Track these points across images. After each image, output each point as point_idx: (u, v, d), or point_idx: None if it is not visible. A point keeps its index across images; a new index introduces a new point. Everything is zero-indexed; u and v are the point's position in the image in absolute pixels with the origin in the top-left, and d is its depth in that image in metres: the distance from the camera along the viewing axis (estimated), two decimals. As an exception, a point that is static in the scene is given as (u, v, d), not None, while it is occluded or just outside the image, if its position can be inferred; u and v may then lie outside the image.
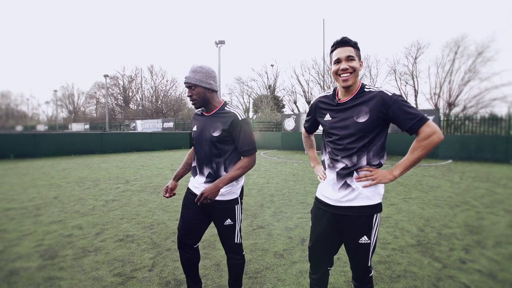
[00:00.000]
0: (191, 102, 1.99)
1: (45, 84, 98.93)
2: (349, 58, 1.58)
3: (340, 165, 1.64)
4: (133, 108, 49.77)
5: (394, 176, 1.53)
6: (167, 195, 2.23)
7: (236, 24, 75.38)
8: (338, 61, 1.61)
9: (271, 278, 2.63)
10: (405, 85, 30.77)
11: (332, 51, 1.65)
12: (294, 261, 2.96)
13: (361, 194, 1.59)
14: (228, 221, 2.00)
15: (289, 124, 18.33)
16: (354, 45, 1.62)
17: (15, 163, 10.79)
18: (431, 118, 13.44)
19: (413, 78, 29.98)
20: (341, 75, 1.59)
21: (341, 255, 3.08)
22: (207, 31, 76.18)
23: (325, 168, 1.76)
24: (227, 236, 2.06)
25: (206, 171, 1.99)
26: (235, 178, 1.89)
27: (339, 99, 1.69)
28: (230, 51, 74.82)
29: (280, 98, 38.14)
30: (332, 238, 1.74)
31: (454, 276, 2.67)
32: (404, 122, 1.50)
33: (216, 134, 1.92)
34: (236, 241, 2.07)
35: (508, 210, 4.81)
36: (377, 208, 1.63)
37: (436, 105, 28.36)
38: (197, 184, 2.04)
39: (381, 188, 1.64)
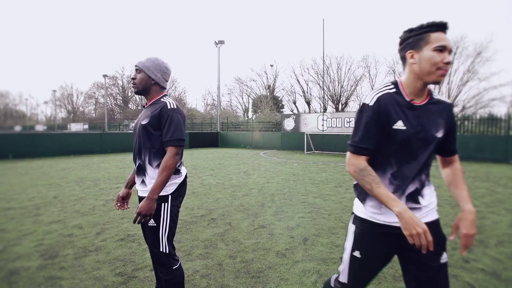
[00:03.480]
0: (132, 86, 1.96)
1: (44, 84, 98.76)
2: (451, 52, 1.26)
3: (411, 188, 1.33)
4: (132, 108, 49.67)
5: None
6: (118, 204, 2.06)
7: (236, 24, 75.42)
8: (442, 49, 1.23)
9: (274, 277, 2.62)
10: (404, 85, 30.80)
11: (426, 32, 1.26)
12: (296, 260, 2.95)
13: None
14: (152, 222, 1.78)
15: (289, 124, 18.32)
16: None
17: (14, 163, 10.75)
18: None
19: (412, 78, 30.01)
20: (442, 69, 1.23)
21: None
22: (206, 31, 76.16)
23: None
24: (151, 240, 1.81)
25: (137, 163, 1.90)
26: (165, 182, 1.71)
27: (411, 100, 1.31)
28: (230, 51, 74.84)
29: (279, 98, 38.15)
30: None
31: (458, 275, 2.66)
32: (451, 144, 1.42)
33: (144, 122, 1.84)
34: (161, 249, 1.79)
35: (509, 210, 4.80)
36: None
37: (435, 105, 28.39)
38: (137, 183, 1.93)
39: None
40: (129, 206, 2.10)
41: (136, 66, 1.92)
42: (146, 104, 1.97)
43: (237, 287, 2.46)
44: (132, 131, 2.01)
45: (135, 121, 2.02)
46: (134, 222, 1.69)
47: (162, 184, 1.70)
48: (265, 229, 3.85)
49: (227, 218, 4.32)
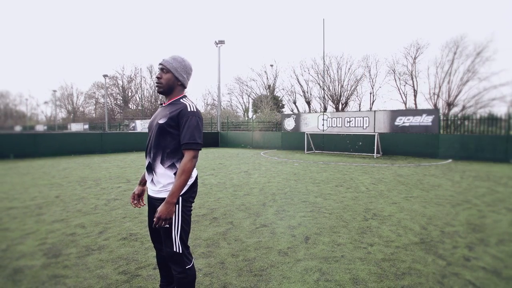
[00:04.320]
0: (156, 85, 1.91)
1: (44, 84, 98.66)
2: None
3: None
4: (132, 108, 49.70)
5: None
6: (134, 202, 2.09)
7: (236, 24, 75.36)
8: None
9: (276, 275, 2.63)
10: (405, 85, 30.83)
11: None
12: (298, 259, 2.96)
13: None
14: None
15: (289, 124, 18.34)
16: None
17: (15, 163, 10.77)
18: (430, 118, 13.47)
19: (412, 78, 30.04)
20: None
21: (345, 253, 3.09)
22: (207, 31, 76.13)
23: None
24: (165, 241, 1.83)
25: (147, 161, 1.90)
26: (183, 185, 1.72)
27: None
28: (230, 51, 74.82)
29: (279, 98, 38.14)
30: None
31: (459, 273, 2.67)
32: None
33: (161, 121, 1.82)
34: (175, 249, 1.80)
35: (510, 209, 4.82)
36: None
37: (435, 105, 28.42)
38: (148, 181, 1.93)
39: None
40: (144, 203, 2.10)
41: (162, 65, 1.89)
42: (164, 102, 1.95)
43: (240, 285, 2.48)
44: (143, 130, 1.93)
45: (151, 118, 1.99)
46: (154, 226, 1.69)
47: (180, 187, 1.70)
48: (267, 228, 3.87)
49: (228, 217, 4.34)
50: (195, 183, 1.94)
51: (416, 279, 2.56)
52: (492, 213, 4.58)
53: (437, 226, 3.96)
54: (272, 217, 4.32)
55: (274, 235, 3.62)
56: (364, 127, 15.26)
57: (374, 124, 14.96)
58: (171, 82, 1.90)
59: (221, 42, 22.61)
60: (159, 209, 1.68)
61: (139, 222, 4.09)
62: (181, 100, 1.89)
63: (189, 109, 1.81)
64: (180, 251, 1.82)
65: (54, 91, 56.51)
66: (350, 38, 51.90)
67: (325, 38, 20.52)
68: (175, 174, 1.81)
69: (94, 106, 58.17)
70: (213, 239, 3.49)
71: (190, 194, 1.89)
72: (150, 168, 1.89)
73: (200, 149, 1.81)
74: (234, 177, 7.81)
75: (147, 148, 1.93)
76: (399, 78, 30.82)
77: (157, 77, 1.90)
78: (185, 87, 1.98)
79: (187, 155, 1.76)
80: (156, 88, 1.93)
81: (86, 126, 44.60)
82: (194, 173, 1.94)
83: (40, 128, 59.07)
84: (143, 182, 2.10)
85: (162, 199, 1.81)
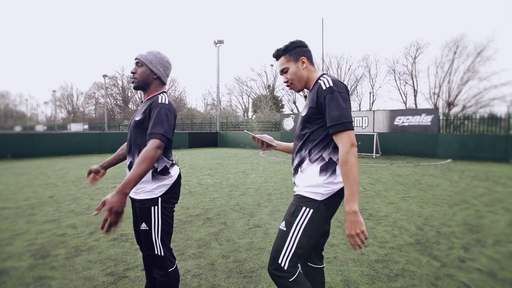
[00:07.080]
0: (131, 80, 1.83)
1: (44, 84, 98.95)
2: (283, 71, 1.67)
3: None
4: (132, 108, 49.68)
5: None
6: (89, 178, 2.00)
7: (235, 24, 75.37)
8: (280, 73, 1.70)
9: (267, 277, 2.58)
10: (405, 85, 30.79)
11: None
12: (290, 260, 2.90)
13: None
14: (144, 226, 1.73)
15: (288, 124, 18.28)
16: (285, 52, 1.65)
17: (12, 163, 10.73)
18: (430, 117, 13.39)
19: (412, 78, 29.99)
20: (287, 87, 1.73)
21: (338, 254, 3.04)
22: (206, 31, 76.15)
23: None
24: (145, 243, 1.76)
25: (128, 160, 1.83)
26: (141, 175, 1.50)
27: None
28: (229, 51, 74.82)
29: (279, 98, 38.10)
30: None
31: (453, 275, 2.62)
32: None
33: (138, 118, 1.76)
34: (156, 252, 1.74)
35: (508, 209, 4.76)
36: None
37: (435, 105, 28.35)
38: None
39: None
40: (96, 180, 2.02)
41: (137, 59, 1.82)
42: (143, 99, 1.90)
43: (229, 287, 2.42)
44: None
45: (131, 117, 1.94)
46: (105, 219, 1.41)
47: (138, 177, 1.49)
48: (260, 228, 3.82)
49: (222, 217, 4.28)
50: (178, 182, 1.86)
51: (409, 281, 2.51)
52: (490, 213, 4.52)
53: (434, 226, 3.90)
54: (266, 218, 4.26)
55: (267, 235, 3.56)
56: (363, 127, 15.20)
57: (373, 124, 14.89)
58: (146, 75, 1.82)
59: (220, 42, 22.58)
60: (110, 200, 1.40)
61: (131, 222, 4.01)
62: (157, 95, 1.82)
63: (159, 101, 1.73)
64: (162, 254, 1.75)
65: (54, 91, 56.54)
66: (349, 37, 51.85)
67: (325, 37, 20.48)
68: (152, 173, 1.74)
69: (94, 106, 58.17)
70: (205, 239, 3.44)
71: (172, 195, 1.80)
72: (131, 167, 1.80)
73: (165, 143, 1.65)
74: (231, 177, 7.76)
75: (127, 147, 1.87)
76: (399, 78, 30.79)
77: (132, 72, 1.82)
78: (163, 83, 1.90)
79: (152, 142, 1.58)
80: (132, 84, 1.85)
81: (86, 126, 44.63)
82: (176, 172, 1.85)
83: (40, 128, 59.11)
84: (104, 165, 2.03)
85: (140, 201, 1.74)
